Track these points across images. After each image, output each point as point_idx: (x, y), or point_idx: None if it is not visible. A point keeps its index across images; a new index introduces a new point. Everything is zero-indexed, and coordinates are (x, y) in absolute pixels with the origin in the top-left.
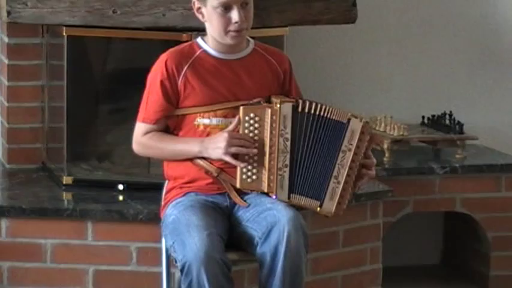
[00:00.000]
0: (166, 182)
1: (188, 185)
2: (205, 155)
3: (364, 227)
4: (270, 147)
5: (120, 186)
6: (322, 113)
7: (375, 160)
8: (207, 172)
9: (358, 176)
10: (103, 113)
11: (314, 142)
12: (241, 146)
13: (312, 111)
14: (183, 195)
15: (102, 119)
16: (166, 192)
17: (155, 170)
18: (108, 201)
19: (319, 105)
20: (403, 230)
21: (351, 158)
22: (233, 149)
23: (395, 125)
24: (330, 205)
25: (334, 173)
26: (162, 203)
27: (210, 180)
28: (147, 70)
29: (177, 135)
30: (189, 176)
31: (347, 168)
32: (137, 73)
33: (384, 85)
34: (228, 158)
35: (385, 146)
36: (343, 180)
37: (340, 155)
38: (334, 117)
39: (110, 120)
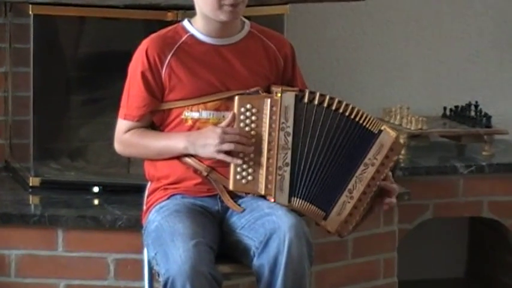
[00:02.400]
0: (149, 183)
1: (174, 186)
2: (193, 152)
3: (377, 235)
4: (269, 143)
5: (96, 189)
6: (344, 112)
7: (397, 187)
8: (195, 171)
9: (374, 199)
10: (76, 104)
11: (327, 142)
12: (236, 142)
13: (325, 105)
14: (168, 198)
15: (75, 111)
16: (149, 195)
17: (136, 169)
18: (81, 206)
19: (336, 100)
20: (422, 238)
21: (372, 174)
22: (226, 146)
23: (413, 117)
24: (335, 220)
25: (349, 186)
26: (144, 207)
27: (199, 180)
28: (126, 54)
29: (163, 131)
30: (175, 176)
31: (365, 185)
32: (115, 58)
33: (400, 71)
34: (221, 156)
35: (401, 142)
36: (358, 196)
37: (361, 167)
38: (362, 123)
39: (83, 113)
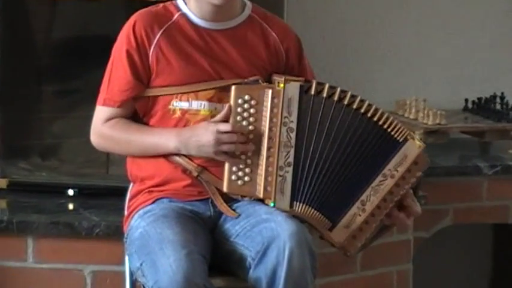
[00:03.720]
0: (131, 184)
1: (160, 188)
2: (185, 153)
3: (389, 245)
4: (269, 139)
5: (70, 191)
6: (359, 109)
7: (419, 209)
8: (184, 171)
9: (388, 217)
10: (48, 95)
11: (337, 140)
12: (234, 143)
13: (336, 98)
14: (153, 202)
15: (47, 103)
16: (131, 198)
17: (116, 169)
18: (54, 211)
19: (348, 93)
20: (441, 247)
21: (390, 187)
22: (225, 147)
23: (430, 110)
24: (342, 233)
25: (363, 197)
26: (126, 212)
27: (189, 182)
28: (106, 39)
29: (147, 123)
30: (161, 177)
31: (380, 198)
32: (93, 43)
33: (415, 59)
34: (222, 158)
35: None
36: (370, 210)
37: (379, 178)
38: (383, 125)
39: (57, 106)
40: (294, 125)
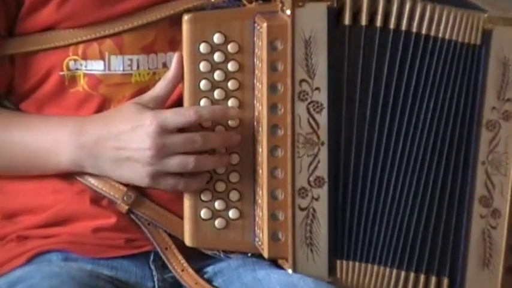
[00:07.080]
0: None
1: (48, 231)
2: (93, 171)
3: None
4: (273, 129)
5: None
6: (434, 30)
7: None
8: (97, 201)
9: None
10: None
11: (407, 110)
12: (195, 152)
13: (405, 24)
14: (30, 260)
15: None
16: None
17: None
18: None
19: (419, 5)
20: None
21: None
22: (175, 162)
23: None
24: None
25: (478, 194)
26: None
27: (111, 220)
28: None
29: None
30: (51, 211)
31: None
32: None
33: None
34: (167, 187)
35: None
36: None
37: (484, 135)
38: (459, 38)
39: None
40: (323, 98)
